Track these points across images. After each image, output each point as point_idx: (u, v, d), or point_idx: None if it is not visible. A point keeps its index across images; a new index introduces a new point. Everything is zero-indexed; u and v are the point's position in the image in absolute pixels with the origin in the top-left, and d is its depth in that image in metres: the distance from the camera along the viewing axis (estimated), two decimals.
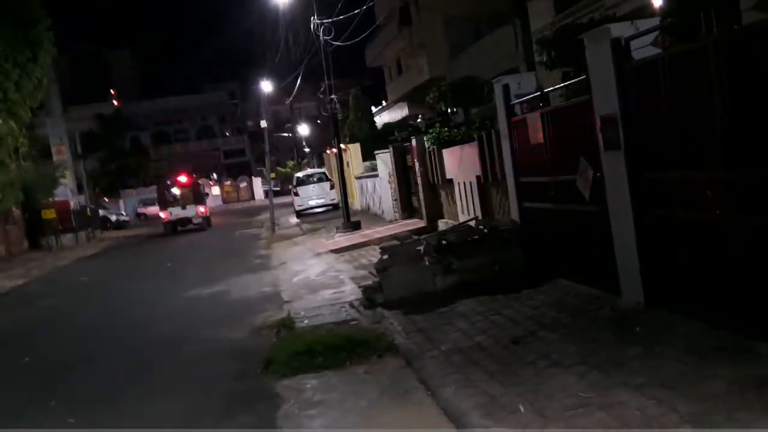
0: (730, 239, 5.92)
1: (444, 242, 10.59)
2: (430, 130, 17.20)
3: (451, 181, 15.71)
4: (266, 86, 43.64)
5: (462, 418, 5.48)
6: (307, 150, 74.63)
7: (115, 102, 69.55)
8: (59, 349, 10.82)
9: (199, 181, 39.79)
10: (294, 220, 33.48)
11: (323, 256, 17.11)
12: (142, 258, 24.99)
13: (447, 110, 21.90)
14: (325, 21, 21.56)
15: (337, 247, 18.03)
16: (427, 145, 17.31)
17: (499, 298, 8.97)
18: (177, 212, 34.79)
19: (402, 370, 7.06)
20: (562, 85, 8.82)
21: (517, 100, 10.17)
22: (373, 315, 9.60)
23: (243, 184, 77.03)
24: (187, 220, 35.18)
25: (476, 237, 10.59)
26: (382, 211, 25.08)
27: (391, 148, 21.53)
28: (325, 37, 21.64)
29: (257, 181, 77.10)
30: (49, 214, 33.57)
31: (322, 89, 23.71)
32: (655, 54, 6.65)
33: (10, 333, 13.04)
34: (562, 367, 6.03)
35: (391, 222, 22.20)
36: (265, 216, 38.41)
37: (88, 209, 39.08)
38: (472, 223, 11.35)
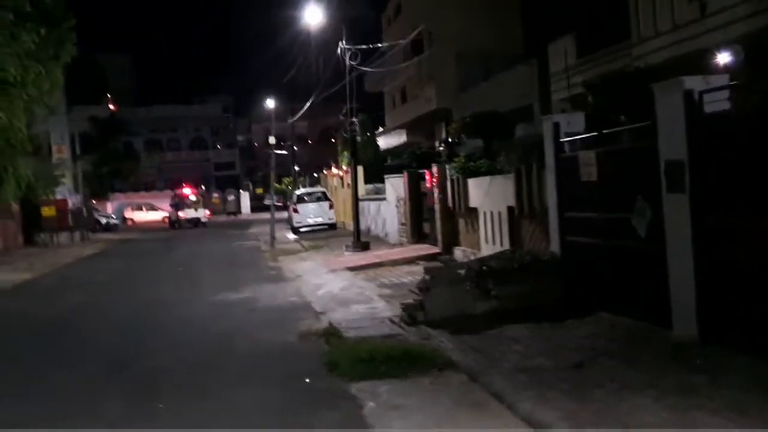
0: None
1: (485, 268, 11.03)
2: (455, 159, 17.72)
3: (474, 209, 16.20)
4: (271, 103, 44.33)
5: (550, 428, 5.89)
6: (296, 168, 75.08)
7: (111, 106, 69.51)
8: (119, 343, 10.79)
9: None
10: (290, 236, 33.87)
11: (339, 273, 17.46)
12: (147, 261, 25.15)
13: (450, 141, 22.58)
14: (352, 47, 22.13)
15: (353, 265, 18.40)
16: (449, 174, 17.81)
17: (545, 326, 9.35)
18: (191, 213, 49.23)
19: (468, 384, 7.37)
20: (625, 128, 9.35)
21: (568, 138, 10.69)
22: (417, 332, 9.95)
23: (231, 197, 77.29)
24: (197, 220, 48.98)
25: (516, 266, 11.05)
26: (386, 234, 25.52)
27: (405, 174, 22.04)
28: (351, 62, 22.21)
29: (245, 195, 77.89)
30: (49, 211, 33.78)
31: (343, 111, 24.30)
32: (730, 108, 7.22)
33: (61, 325, 12.78)
34: (633, 390, 6.45)
35: (397, 245, 22.60)
36: (257, 230, 38.94)
37: (84, 210, 39.14)
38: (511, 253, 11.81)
